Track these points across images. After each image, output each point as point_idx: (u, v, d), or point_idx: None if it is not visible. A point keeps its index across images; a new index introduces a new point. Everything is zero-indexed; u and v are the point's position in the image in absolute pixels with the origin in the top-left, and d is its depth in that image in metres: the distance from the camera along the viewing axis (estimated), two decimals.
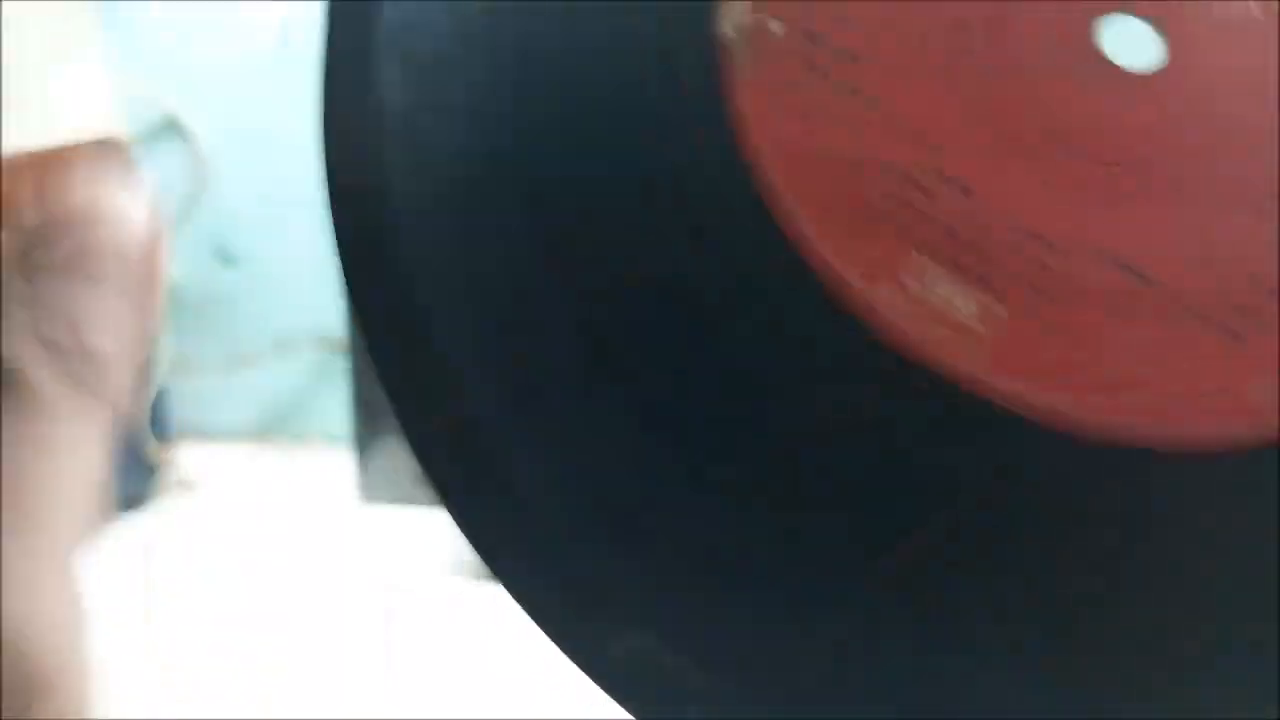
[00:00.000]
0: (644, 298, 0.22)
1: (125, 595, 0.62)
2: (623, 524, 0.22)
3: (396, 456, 0.73)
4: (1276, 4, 0.22)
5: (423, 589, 0.63)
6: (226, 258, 0.84)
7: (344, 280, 0.24)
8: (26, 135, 0.65)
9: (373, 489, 0.74)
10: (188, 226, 0.83)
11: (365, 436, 0.73)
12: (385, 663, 0.55)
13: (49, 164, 0.65)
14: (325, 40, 0.25)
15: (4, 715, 0.36)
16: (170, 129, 0.83)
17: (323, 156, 0.23)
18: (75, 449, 0.39)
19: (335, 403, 0.81)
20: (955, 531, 0.19)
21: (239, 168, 0.82)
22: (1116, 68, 0.21)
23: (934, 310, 0.20)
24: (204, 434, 0.87)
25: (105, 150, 0.73)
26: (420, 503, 0.72)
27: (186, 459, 0.79)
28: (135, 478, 0.74)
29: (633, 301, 0.22)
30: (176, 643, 0.58)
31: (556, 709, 0.50)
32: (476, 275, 0.23)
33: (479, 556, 0.28)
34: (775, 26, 0.22)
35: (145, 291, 0.42)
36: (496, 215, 0.23)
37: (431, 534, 0.69)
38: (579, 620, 0.23)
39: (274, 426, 0.87)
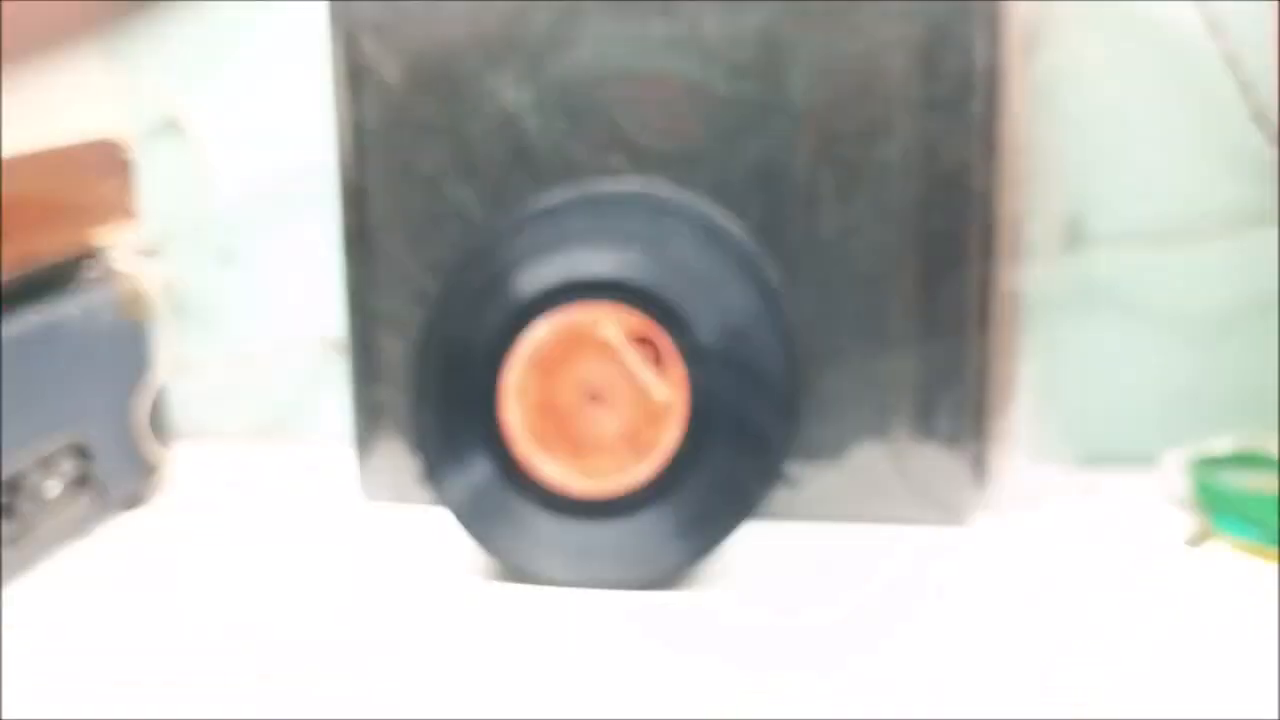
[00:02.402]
0: None
1: (123, 595, 0.62)
2: None
3: (398, 456, 0.73)
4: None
5: (425, 588, 0.63)
6: (227, 258, 0.84)
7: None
8: (26, 136, 0.65)
9: (374, 488, 0.74)
10: (188, 227, 0.83)
11: (366, 436, 0.73)
12: (387, 662, 0.54)
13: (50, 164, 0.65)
14: None
15: None
16: (171, 129, 0.82)
17: None
18: None
19: (336, 403, 0.81)
20: None
21: (240, 168, 0.82)
22: None
23: None
24: (204, 434, 0.86)
25: (106, 150, 0.74)
26: (422, 501, 0.71)
27: (186, 459, 0.79)
28: (135, 477, 0.74)
29: None
30: (175, 643, 0.58)
31: (558, 707, 0.50)
32: None
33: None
34: None
35: None
36: None
37: (433, 533, 0.68)
38: None
39: (275, 426, 0.86)
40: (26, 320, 0.64)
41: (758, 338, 0.58)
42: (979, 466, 0.67)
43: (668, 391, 0.58)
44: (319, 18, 0.70)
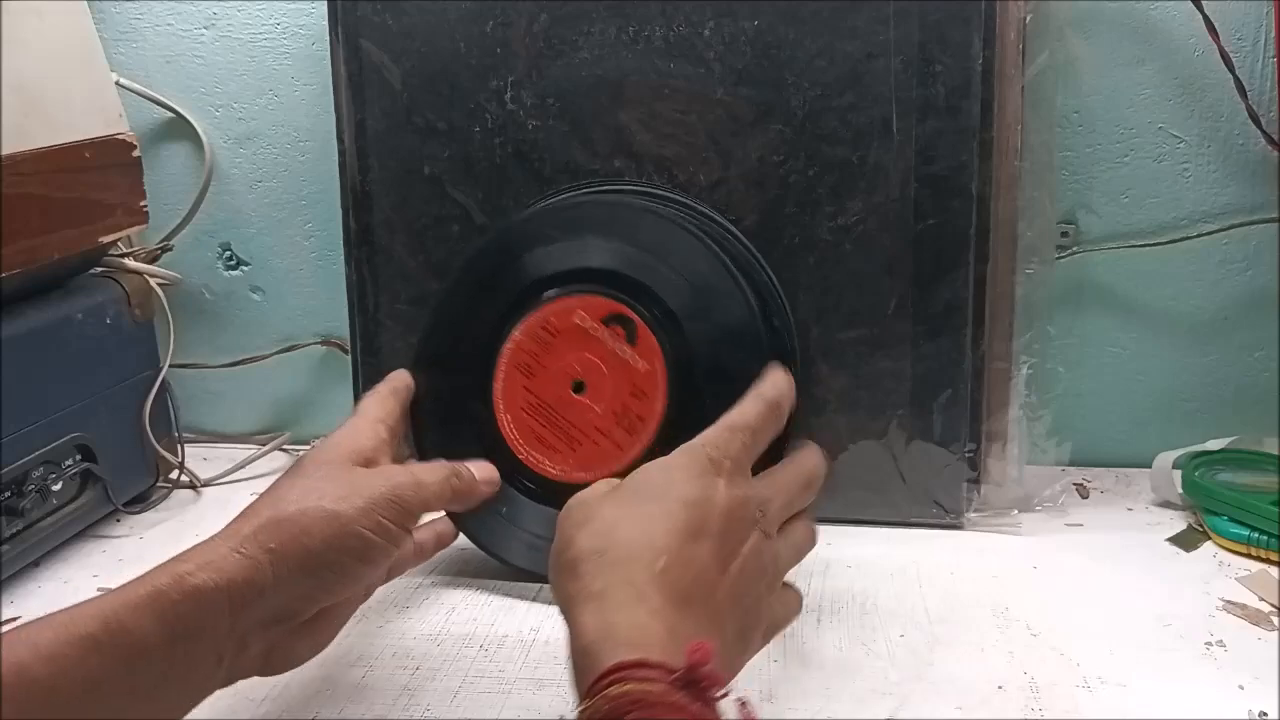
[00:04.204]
0: None
1: None
2: None
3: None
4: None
5: (422, 587, 0.63)
6: (231, 258, 0.85)
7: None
8: (31, 135, 0.65)
9: None
10: (193, 226, 0.83)
11: None
12: (386, 661, 0.55)
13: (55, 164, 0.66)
14: None
15: None
16: (176, 128, 0.83)
17: None
18: None
19: (339, 403, 0.82)
20: None
21: (245, 168, 0.83)
22: None
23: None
24: (207, 434, 0.87)
25: (113, 150, 0.74)
26: None
27: (189, 459, 0.79)
28: (138, 476, 0.74)
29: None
30: None
31: (551, 706, 0.50)
32: None
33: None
34: None
35: None
36: None
37: None
38: None
39: (278, 426, 0.87)
40: (31, 319, 0.65)
41: (723, 293, 0.57)
42: (974, 466, 0.67)
43: (645, 362, 0.58)
44: (321, 21, 0.71)
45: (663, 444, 0.58)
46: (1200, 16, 0.67)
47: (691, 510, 0.40)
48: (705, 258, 0.58)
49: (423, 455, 0.60)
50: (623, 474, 0.45)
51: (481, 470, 0.53)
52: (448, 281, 0.63)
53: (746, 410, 0.45)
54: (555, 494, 0.61)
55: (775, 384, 0.47)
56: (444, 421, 0.61)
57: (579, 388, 0.59)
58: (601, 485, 0.44)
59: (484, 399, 0.60)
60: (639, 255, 0.58)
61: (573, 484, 0.59)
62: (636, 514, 0.40)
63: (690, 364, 0.58)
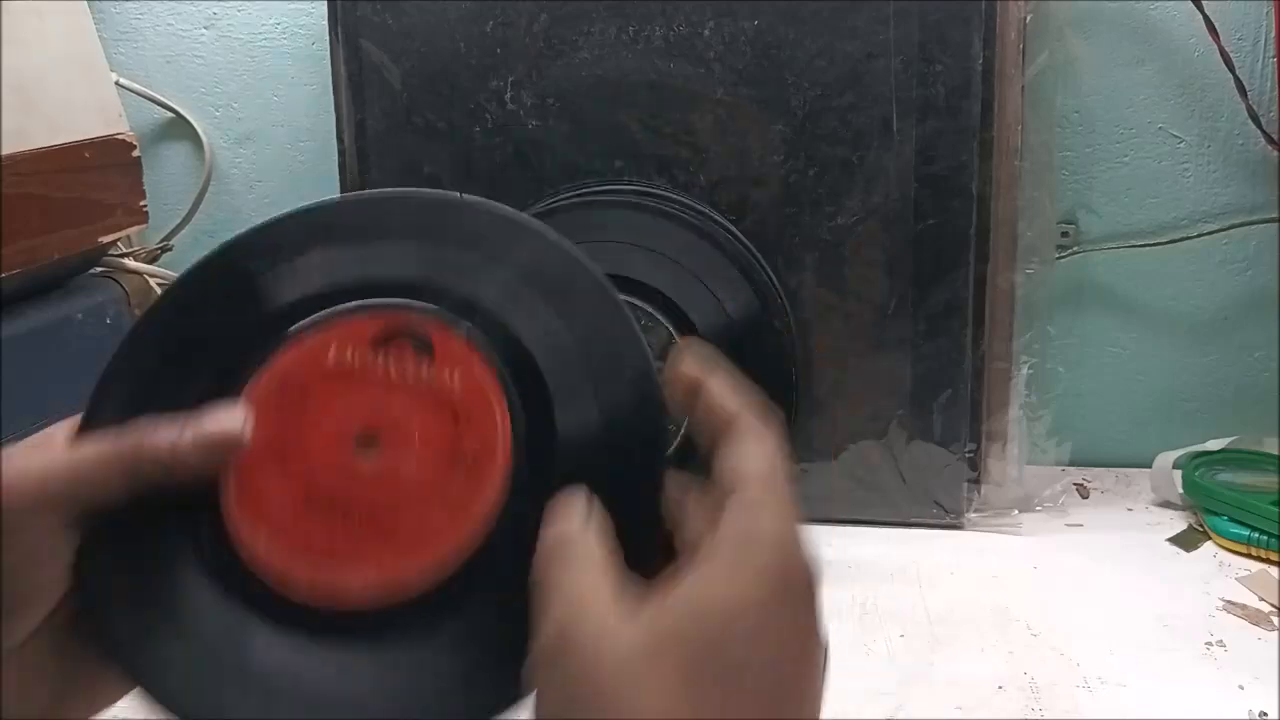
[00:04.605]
0: None
1: None
2: None
3: None
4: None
5: None
6: None
7: None
8: (31, 135, 0.65)
9: None
10: (193, 226, 0.83)
11: None
12: None
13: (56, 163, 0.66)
14: None
15: None
16: (176, 128, 0.83)
17: None
18: None
19: None
20: None
21: (245, 168, 0.83)
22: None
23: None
24: None
25: (113, 150, 0.74)
26: None
27: None
28: None
29: None
30: None
31: None
32: None
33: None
34: None
35: None
36: None
37: None
38: None
39: None
40: (31, 319, 0.65)
41: (546, 246, 0.35)
42: (974, 466, 0.67)
43: (458, 376, 0.35)
44: (321, 21, 0.71)
45: (524, 475, 0.34)
46: (1200, 16, 0.67)
47: (815, 687, 0.27)
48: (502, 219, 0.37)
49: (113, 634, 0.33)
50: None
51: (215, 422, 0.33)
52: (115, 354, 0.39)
53: (767, 442, 0.31)
54: (370, 617, 0.33)
55: (731, 385, 0.32)
56: (141, 589, 0.34)
57: (365, 446, 0.35)
58: (633, 632, 0.26)
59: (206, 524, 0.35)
60: (401, 249, 0.37)
61: (404, 587, 0.33)
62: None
63: (530, 357, 0.36)
